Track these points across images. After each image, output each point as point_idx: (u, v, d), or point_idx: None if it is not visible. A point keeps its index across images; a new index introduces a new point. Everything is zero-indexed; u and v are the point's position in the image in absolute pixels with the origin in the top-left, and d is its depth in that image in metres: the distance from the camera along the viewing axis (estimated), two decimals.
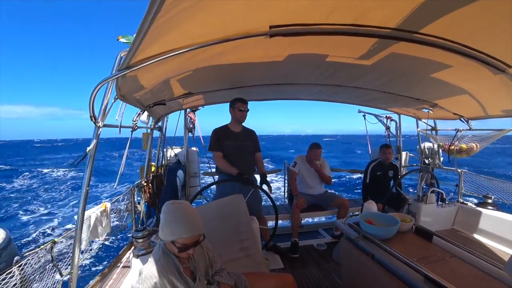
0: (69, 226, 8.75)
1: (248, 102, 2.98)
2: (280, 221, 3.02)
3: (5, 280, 1.32)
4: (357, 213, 3.44)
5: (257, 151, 3.17)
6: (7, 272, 1.34)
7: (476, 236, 2.88)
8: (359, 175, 5.47)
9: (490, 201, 3.12)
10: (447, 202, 3.13)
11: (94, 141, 1.60)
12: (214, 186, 2.95)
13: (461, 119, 3.24)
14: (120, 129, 2.10)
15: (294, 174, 3.71)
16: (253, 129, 3.20)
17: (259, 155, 3.20)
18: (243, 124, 3.05)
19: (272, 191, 3.00)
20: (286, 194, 4.53)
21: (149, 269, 1.28)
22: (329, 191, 3.82)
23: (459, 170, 3.68)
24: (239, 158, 2.91)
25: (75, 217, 1.65)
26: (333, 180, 3.93)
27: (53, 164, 29.17)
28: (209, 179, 4.09)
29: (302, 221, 4.00)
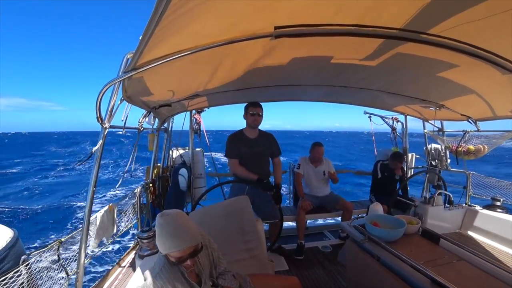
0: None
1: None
2: (285, 223, 3.01)
3: (13, 279, 1.34)
4: (362, 215, 3.42)
5: (275, 156, 3.07)
6: (14, 270, 1.36)
7: (484, 239, 2.83)
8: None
9: (498, 203, 3.07)
10: (454, 204, 3.08)
11: (101, 142, 1.61)
12: (227, 190, 2.94)
13: (469, 120, 3.19)
14: (124, 130, 2.11)
15: (299, 176, 3.70)
16: (271, 133, 3.08)
17: (277, 161, 3.09)
18: (260, 127, 2.94)
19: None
20: (291, 195, 4.51)
21: (154, 275, 1.28)
22: (334, 192, 3.80)
23: (467, 172, 3.63)
24: (255, 165, 2.82)
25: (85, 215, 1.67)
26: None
27: None
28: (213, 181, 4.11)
29: (307, 223, 3.99)
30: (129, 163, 2.52)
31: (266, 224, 3.01)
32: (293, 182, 4.29)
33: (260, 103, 2.92)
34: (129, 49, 1.45)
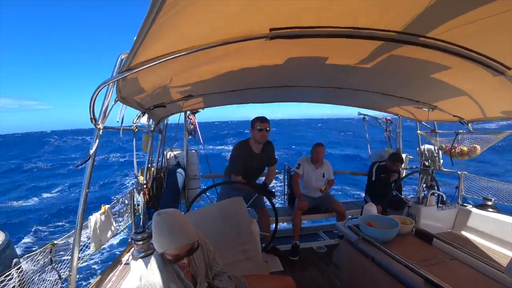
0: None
1: (247, 104, 2.98)
2: (279, 224, 3.02)
3: (4, 283, 1.31)
4: (357, 215, 3.44)
5: (271, 165, 3.15)
6: (5, 274, 1.33)
7: (476, 238, 2.87)
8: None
9: (490, 203, 3.12)
10: (447, 204, 3.12)
11: (96, 143, 1.60)
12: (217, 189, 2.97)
13: (461, 121, 3.24)
14: (121, 132, 2.10)
15: (297, 176, 3.69)
16: (271, 141, 3.12)
17: (273, 168, 3.19)
18: None
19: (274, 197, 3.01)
20: (286, 196, 4.52)
21: (149, 276, 1.27)
22: (329, 193, 3.82)
23: (459, 172, 3.68)
24: (253, 177, 2.96)
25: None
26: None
27: None
28: (209, 181, 4.09)
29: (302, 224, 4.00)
30: (135, 165, 2.52)
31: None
32: (288, 182, 4.30)
33: (258, 104, 2.95)
34: (120, 45, 1.45)
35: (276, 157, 3.21)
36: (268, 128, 2.83)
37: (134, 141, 2.51)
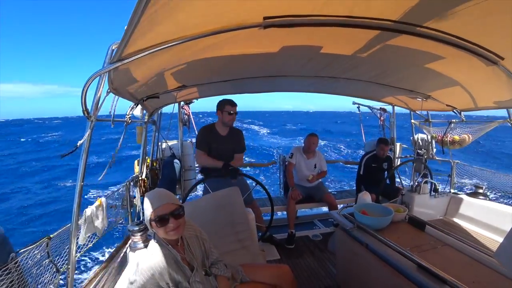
0: None
1: (243, 94, 2.95)
2: (275, 213, 3.06)
3: (2, 277, 1.31)
4: (351, 204, 3.48)
5: (239, 152, 3.10)
6: (3, 269, 1.33)
7: (467, 225, 2.94)
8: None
9: (481, 191, 3.18)
10: (439, 192, 3.18)
11: (87, 135, 1.58)
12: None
13: (454, 111, 3.27)
14: (112, 123, 2.07)
15: (291, 166, 3.73)
16: (240, 128, 3.17)
17: (239, 156, 3.12)
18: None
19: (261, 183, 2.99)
20: (281, 186, 4.56)
21: (146, 261, 1.30)
22: (322, 182, 3.86)
23: (451, 161, 3.74)
24: (221, 159, 2.89)
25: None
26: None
27: None
28: None
29: (297, 212, 4.06)
30: (113, 155, 2.45)
31: None
32: (283, 171, 4.33)
33: (251, 94, 2.92)
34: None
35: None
36: (236, 112, 2.89)
37: (124, 132, 2.47)
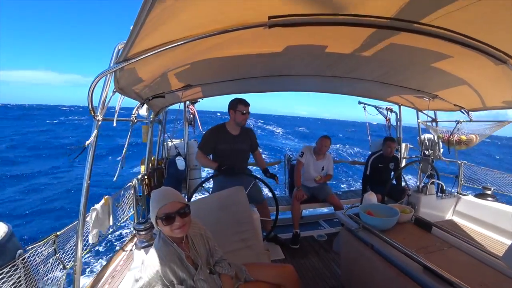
0: None
1: (248, 93, 2.95)
2: (280, 212, 3.05)
3: (10, 273, 1.34)
4: (357, 204, 3.46)
5: (254, 150, 3.15)
6: (11, 265, 1.35)
7: (475, 227, 2.90)
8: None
9: (489, 192, 3.13)
10: (446, 193, 3.14)
11: (94, 134, 1.60)
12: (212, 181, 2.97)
13: (462, 110, 3.22)
14: (115, 121, 2.07)
15: (300, 165, 3.68)
16: (251, 127, 3.19)
17: (258, 153, 3.20)
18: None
19: (278, 182, 3.02)
20: (286, 185, 4.54)
21: (151, 258, 1.31)
22: (326, 183, 3.84)
23: (459, 162, 3.69)
24: (232, 160, 2.86)
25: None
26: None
27: None
28: (210, 172, 4.10)
29: (302, 212, 4.04)
30: (122, 155, 2.49)
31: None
32: (289, 171, 4.32)
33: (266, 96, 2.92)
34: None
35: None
36: (249, 112, 2.87)
37: (130, 132, 2.50)
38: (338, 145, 25.71)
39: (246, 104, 2.83)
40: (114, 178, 2.20)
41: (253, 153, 3.19)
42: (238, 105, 2.80)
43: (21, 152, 17.44)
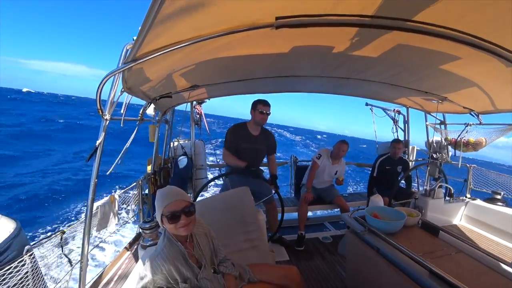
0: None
1: (254, 94, 2.96)
2: (285, 214, 3.04)
3: (17, 268, 1.36)
4: (363, 206, 3.43)
5: (271, 153, 3.18)
6: (18, 260, 1.38)
7: (484, 232, 2.84)
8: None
9: (499, 197, 3.07)
10: (455, 197, 3.09)
11: (102, 134, 1.62)
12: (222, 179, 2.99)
13: (471, 113, 3.17)
14: (122, 122, 2.08)
15: (316, 166, 3.66)
16: (271, 131, 3.19)
17: (273, 157, 3.22)
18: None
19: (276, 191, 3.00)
20: (291, 186, 4.53)
21: (155, 256, 1.32)
22: (333, 185, 3.82)
23: (468, 165, 3.62)
24: (252, 161, 2.90)
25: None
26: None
27: None
28: (215, 171, 4.11)
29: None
30: (122, 152, 2.48)
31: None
32: (295, 173, 4.32)
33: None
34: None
35: None
36: (269, 112, 2.88)
37: (136, 130, 2.50)
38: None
39: (266, 104, 2.87)
40: (108, 172, 2.20)
41: (269, 156, 3.21)
42: (258, 105, 2.87)
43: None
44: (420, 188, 4.47)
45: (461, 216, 3.10)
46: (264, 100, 2.90)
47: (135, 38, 1.20)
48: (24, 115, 28.75)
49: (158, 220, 1.36)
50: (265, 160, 3.28)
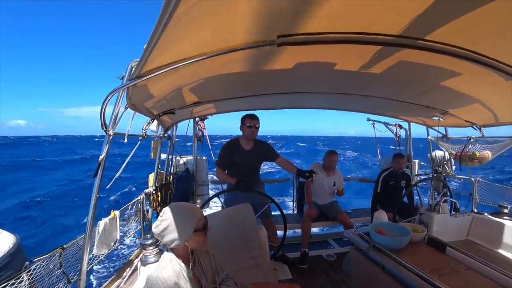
0: None
1: (259, 110, 2.98)
2: (288, 231, 2.99)
3: (14, 286, 1.33)
4: (367, 223, 3.37)
5: (276, 158, 3.13)
6: (16, 277, 1.35)
7: (492, 247, 2.77)
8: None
9: (506, 210, 3.02)
10: (461, 211, 3.03)
11: (105, 150, 1.63)
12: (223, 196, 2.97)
13: (473, 126, 3.17)
14: (126, 137, 2.08)
15: (311, 182, 3.61)
16: (265, 141, 3.18)
17: (280, 160, 3.14)
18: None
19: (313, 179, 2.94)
20: (294, 203, 4.48)
21: (156, 275, 1.28)
22: (336, 201, 3.77)
23: (472, 179, 3.58)
24: (242, 173, 2.89)
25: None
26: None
27: None
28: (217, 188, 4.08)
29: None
30: (122, 167, 2.47)
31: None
32: (297, 188, 4.27)
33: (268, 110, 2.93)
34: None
35: None
36: (257, 125, 2.88)
37: (137, 146, 2.50)
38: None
39: (253, 118, 2.88)
40: (108, 186, 2.19)
41: (276, 161, 3.14)
42: (245, 120, 2.88)
43: None
44: (422, 202, 4.42)
45: (468, 231, 3.04)
46: (252, 114, 2.92)
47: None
48: None
49: (182, 238, 1.29)
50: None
